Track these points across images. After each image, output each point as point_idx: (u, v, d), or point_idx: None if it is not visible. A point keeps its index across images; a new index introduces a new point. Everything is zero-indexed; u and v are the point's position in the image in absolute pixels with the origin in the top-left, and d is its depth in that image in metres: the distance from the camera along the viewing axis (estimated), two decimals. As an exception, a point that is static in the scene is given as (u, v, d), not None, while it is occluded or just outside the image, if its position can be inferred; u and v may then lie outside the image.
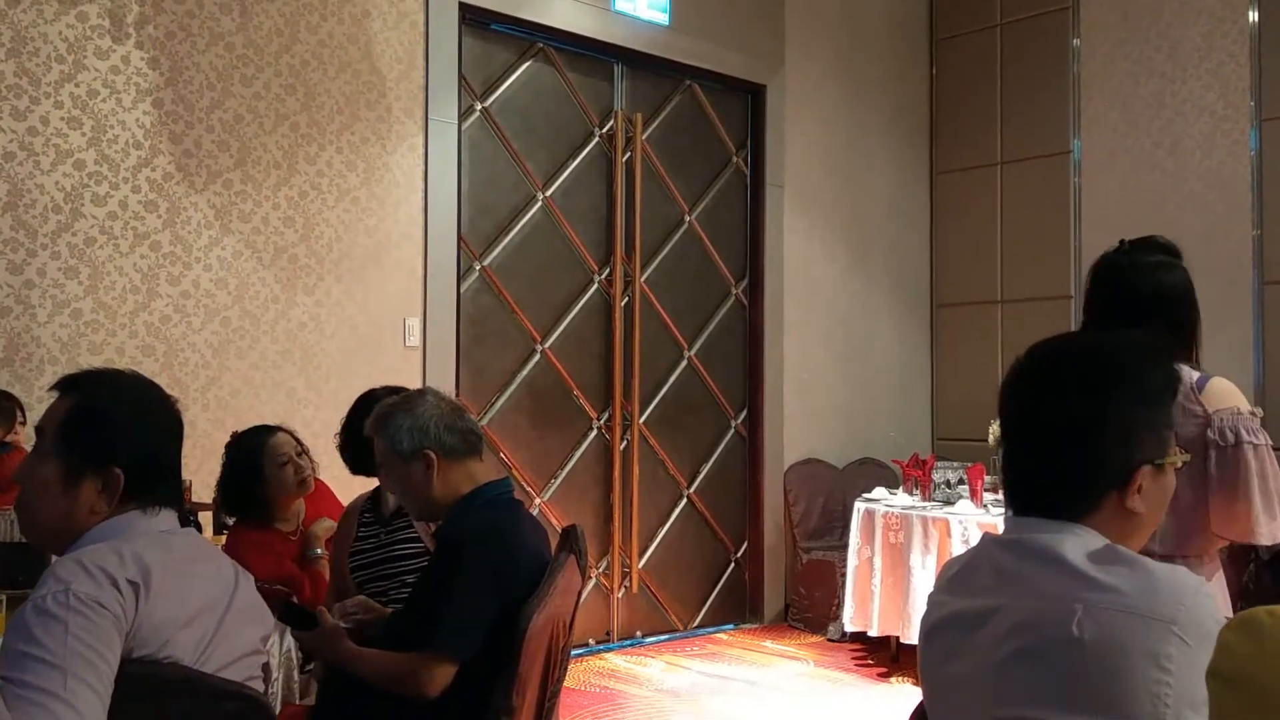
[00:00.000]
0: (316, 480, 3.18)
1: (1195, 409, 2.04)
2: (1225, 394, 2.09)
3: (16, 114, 3.71)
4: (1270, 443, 2.07)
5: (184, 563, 1.56)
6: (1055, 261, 6.25)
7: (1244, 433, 2.04)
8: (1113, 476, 1.26)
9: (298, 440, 3.12)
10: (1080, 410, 1.26)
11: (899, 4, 6.78)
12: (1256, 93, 5.60)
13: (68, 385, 1.60)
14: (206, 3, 4.11)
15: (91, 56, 3.86)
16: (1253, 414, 2.07)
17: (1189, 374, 2.10)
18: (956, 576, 1.36)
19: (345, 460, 3.00)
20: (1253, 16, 5.62)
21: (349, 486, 3.42)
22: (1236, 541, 2.10)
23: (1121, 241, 2.32)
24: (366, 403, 2.78)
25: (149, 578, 1.47)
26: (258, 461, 2.97)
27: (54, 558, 1.50)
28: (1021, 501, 1.31)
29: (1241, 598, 4.56)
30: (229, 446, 3.11)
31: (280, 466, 2.99)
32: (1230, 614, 1.83)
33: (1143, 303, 2.19)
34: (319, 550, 3.02)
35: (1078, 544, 1.22)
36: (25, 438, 3.62)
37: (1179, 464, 1.31)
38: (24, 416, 3.65)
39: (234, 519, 3.11)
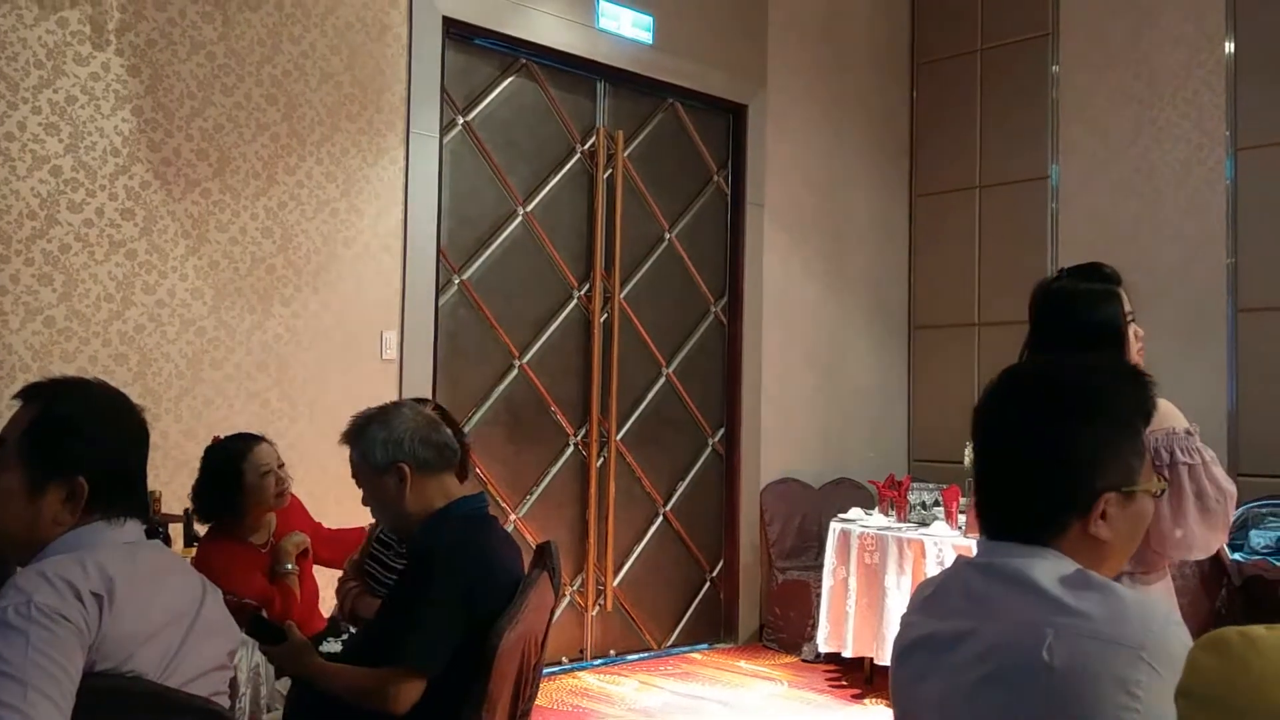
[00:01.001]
0: (291, 496, 3.16)
1: None
2: (1161, 414, 2.13)
3: (-7, 119, 3.67)
4: (1207, 459, 2.11)
5: (149, 575, 1.54)
6: (1032, 285, 6.27)
7: (1179, 453, 2.09)
8: (1075, 503, 1.26)
9: (275, 452, 3.09)
10: (1044, 435, 1.27)
11: (881, 27, 6.83)
12: (1232, 122, 5.67)
13: (32, 394, 1.58)
14: (188, 11, 4.09)
15: (71, 63, 3.83)
16: (1188, 433, 2.11)
17: None
18: (930, 598, 1.35)
19: None
20: (1229, 47, 5.70)
21: (326, 497, 3.40)
22: (1175, 558, 2.15)
23: (1060, 270, 2.37)
24: None
25: (113, 590, 1.44)
26: (238, 469, 2.94)
27: (17, 569, 1.47)
28: (991, 524, 1.32)
29: (1215, 622, 4.59)
30: (210, 451, 3.06)
31: (261, 476, 2.96)
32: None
33: (1088, 330, 2.23)
34: (290, 565, 2.99)
35: (1049, 568, 1.22)
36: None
37: (1156, 491, 1.31)
38: None
39: (206, 528, 3.08)
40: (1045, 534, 1.26)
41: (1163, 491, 1.32)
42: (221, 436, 3.18)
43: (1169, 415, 2.15)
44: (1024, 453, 1.28)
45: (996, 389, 1.34)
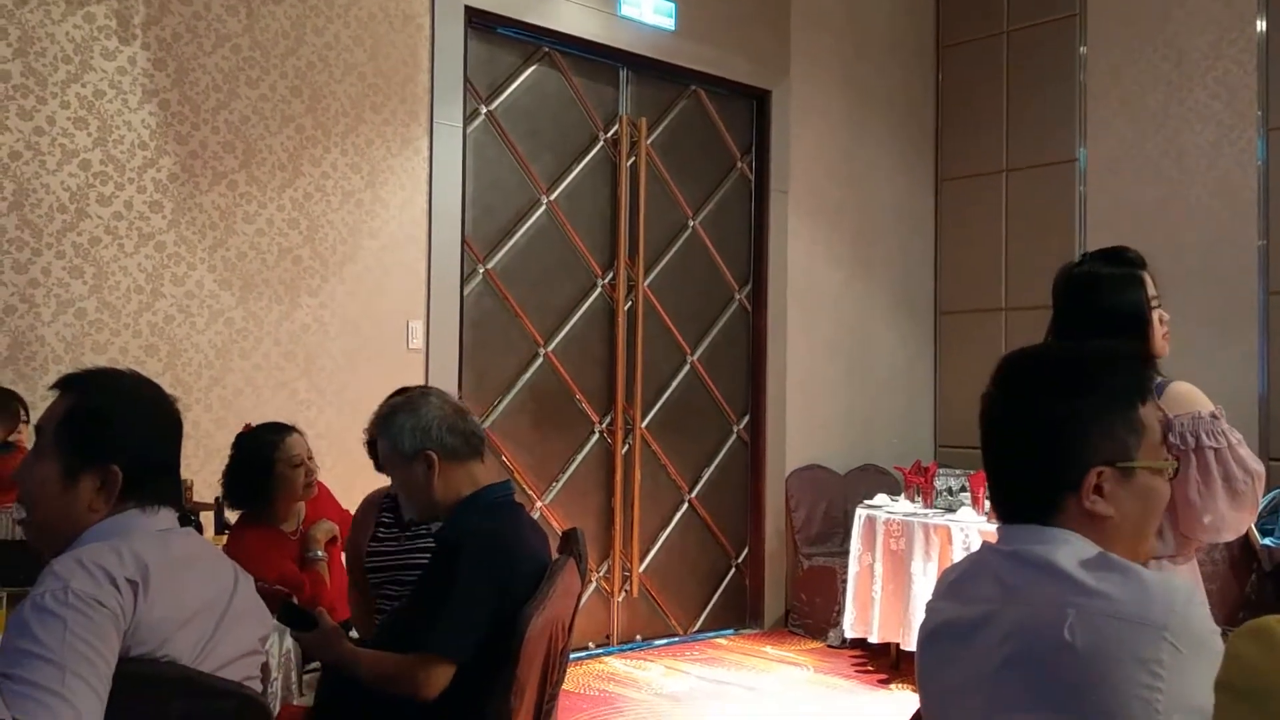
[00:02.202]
0: (319, 485, 3.19)
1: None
2: (1185, 398, 2.13)
3: (23, 113, 3.72)
4: (1234, 441, 2.12)
5: (183, 562, 1.56)
6: (1057, 271, 6.23)
7: (1204, 436, 2.09)
8: (1064, 478, 1.27)
9: (305, 443, 3.12)
10: (1031, 413, 1.30)
11: (905, 11, 6.78)
12: (1264, 102, 5.59)
13: (67, 384, 1.61)
14: (213, 4, 4.12)
15: (98, 57, 3.87)
16: (1214, 416, 2.10)
17: None
18: (954, 584, 1.36)
19: (371, 456, 2.99)
20: (1260, 26, 5.62)
21: (354, 487, 3.43)
22: (1205, 542, 2.15)
23: (1084, 254, 2.36)
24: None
25: (148, 576, 1.47)
26: (270, 458, 2.97)
27: (54, 556, 1.50)
28: (998, 507, 1.34)
29: (1244, 608, 4.56)
30: (241, 439, 3.10)
31: (293, 468, 2.99)
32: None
33: (1112, 316, 2.22)
34: (319, 552, 3.02)
35: (1070, 552, 1.23)
36: (28, 437, 3.63)
37: (1166, 470, 1.32)
38: (27, 416, 3.65)
39: (237, 516, 3.11)
40: (1040, 512, 1.28)
41: (1176, 471, 1.31)
42: (253, 425, 3.21)
43: (1194, 399, 2.14)
44: (1015, 432, 1.32)
45: (994, 374, 1.36)
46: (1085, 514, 1.27)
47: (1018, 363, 1.36)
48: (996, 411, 1.34)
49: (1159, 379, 2.19)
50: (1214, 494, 2.07)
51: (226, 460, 3.07)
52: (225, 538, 3.36)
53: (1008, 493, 1.33)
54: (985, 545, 1.35)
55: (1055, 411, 1.29)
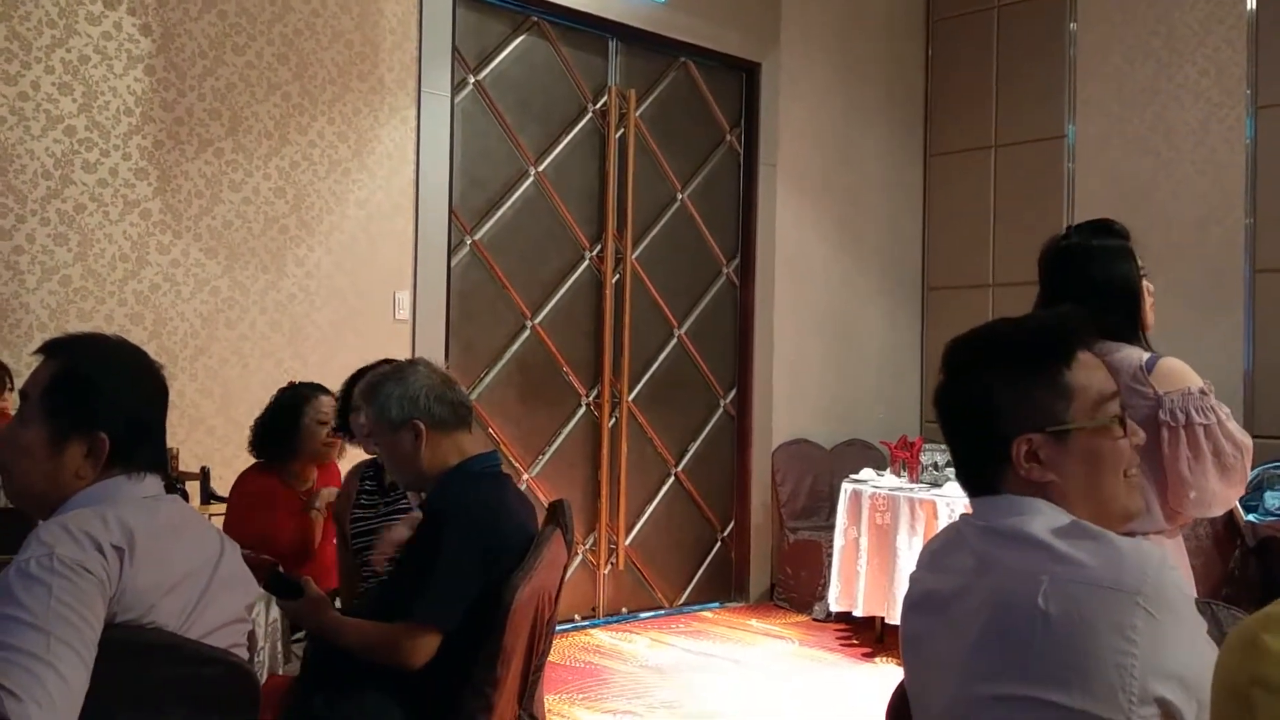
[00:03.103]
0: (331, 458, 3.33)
1: (1145, 390, 2.11)
2: (1175, 374, 2.15)
3: (7, 78, 3.67)
4: (1222, 417, 2.14)
5: (169, 529, 1.56)
6: (1043, 245, 6.24)
7: (1194, 413, 2.11)
8: (992, 451, 1.29)
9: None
10: (956, 390, 1.34)
11: (897, -16, 6.75)
12: (1253, 80, 5.59)
13: (52, 350, 1.60)
14: (199, -31, 4.07)
15: (83, 22, 3.82)
16: (1203, 392, 2.13)
17: (1138, 355, 2.18)
18: (935, 554, 1.37)
19: (338, 430, 3.12)
20: (1250, 3, 5.61)
21: (340, 458, 3.44)
22: (1194, 516, 2.18)
23: (1069, 228, 2.37)
24: (357, 382, 2.84)
25: (133, 543, 1.46)
26: (300, 409, 3.17)
27: (39, 522, 1.49)
28: (960, 481, 1.37)
29: (1228, 583, 4.61)
30: (281, 390, 3.30)
31: (318, 424, 3.17)
32: (1191, 585, 1.86)
33: (1104, 288, 2.23)
34: (318, 505, 3.17)
35: (1043, 522, 1.23)
36: (12, 404, 3.61)
37: (1109, 428, 1.28)
38: (12, 383, 3.63)
39: (256, 459, 3.25)
40: (992, 485, 1.30)
41: (1123, 428, 1.29)
42: (295, 381, 3.38)
43: (1183, 375, 2.16)
44: (950, 412, 1.35)
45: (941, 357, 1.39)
46: (1026, 482, 1.27)
47: (953, 344, 1.38)
48: (937, 393, 1.37)
49: (1149, 355, 2.20)
50: (1204, 469, 2.09)
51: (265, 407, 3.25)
52: (209, 507, 3.42)
53: (960, 469, 1.36)
54: (962, 517, 1.36)
55: (973, 387, 1.32)
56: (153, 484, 1.59)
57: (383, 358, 2.99)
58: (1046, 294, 2.34)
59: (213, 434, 4.08)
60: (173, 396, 1.70)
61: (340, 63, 4.44)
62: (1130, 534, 1.24)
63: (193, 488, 3.70)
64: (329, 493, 3.20)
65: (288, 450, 3.19)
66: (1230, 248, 5.65)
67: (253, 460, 3.27)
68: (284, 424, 3.18)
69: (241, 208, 4.20)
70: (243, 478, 3.24)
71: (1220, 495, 2.12)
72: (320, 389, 3.26)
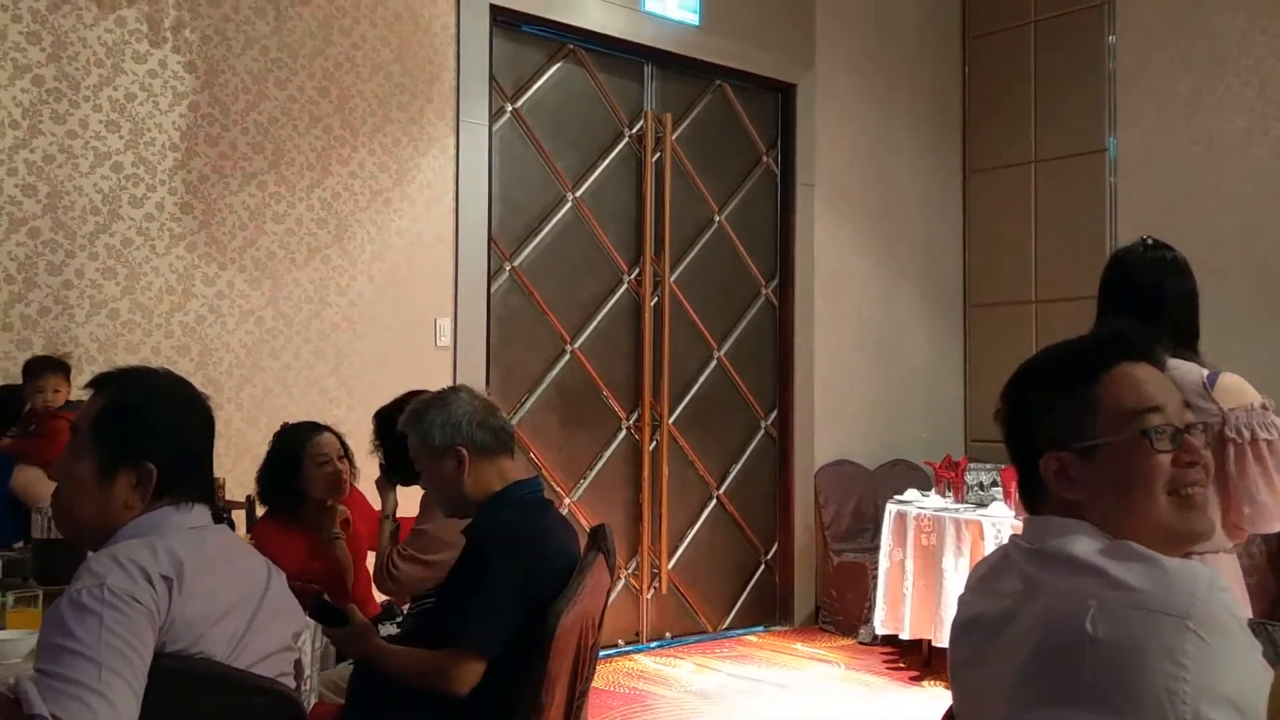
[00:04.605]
0: (352, 487, 3.20)
1: (1209, 406, 2.10)
2: (1237, 390, 2.16)
3: (56, 117, 3.76)
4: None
5: (217, 559, 1.57)
6: (1090, 261, 6.11)
7: (1259, 429, 2.12)
8: (1028, 468, 1.30)
9: (343, 443, 3.14)
10: (1003, 411, 1.35)
11: (930, 2, 6.73)
12: (1297, 89, 5.51)
13: (101, 383, 1.63)
14: (242, 7, 4.16)
15: (130, 61, 3.91)
16: (1264, 407, 2.14)
17: (1199, 371, 2.17)
18: (983, 578, 1.35)
19: (385, 460, 3.02)
20: (1293, 11, 5.53)
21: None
22: (1258, 533, 2.16)
23: (1143, 239, 2.38)
24: (395, 415, 2.78)
25: (182, 573, 1.48)
26: (298, 456, 3.03)
27: (90, 553, 1.51)
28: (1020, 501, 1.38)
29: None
30: (277, 435, 3.15)
31: (318, 465, 3.03)
32: (1245, 605, 1.82)
33: (1149, 300, 2.22)
34: (335, 530, 3.03)
35: (1086, 543, 1.21)
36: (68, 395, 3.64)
37: (1141, 442, 1.23)
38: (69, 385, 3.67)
39: (264, 510, 3.14)
40: (1034, 504, 1.30)
41: (1154, 441, 1.23)
42: (290, 423, 3.25)
43: (1245, 392, 2.17)
44: (1004, 433, 1.36)
45: None
46: (1061, 501, 1.26)
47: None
48: (996, 414, 1.37)
49: (1209, 371, 2.18)
50: (1271, 485, 2.08)
51: (258, 461, 3.11)
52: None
53: (1018, 489, 1.36)
54: (1011, 539, 1.34)
55: (1009, 405, 1.33)
56: (200, 514, 1.61)
57: (412, 389, 2.95)
58: (1103, 309, 2.34)
59: (259, 463, 4.11)
60: (219, 426, 1.72)
61: (380, 94, 4.51)
62: (1190, 554, 1.22)
63: (239, 517, 3.73)
64: (341, 511, 3.08)
65: (296, 496, 3.04)
66: (1279, 257, 5.54)
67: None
68: (287, 471, 3.03)
69: (285, 239, 4.26)
70: (257, 533, 3.08)
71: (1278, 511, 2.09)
72: (319, 427, 3.12)
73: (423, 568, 2.77)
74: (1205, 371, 2.17)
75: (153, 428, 1.58)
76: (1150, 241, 2.35)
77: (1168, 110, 5.95)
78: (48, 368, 3.54)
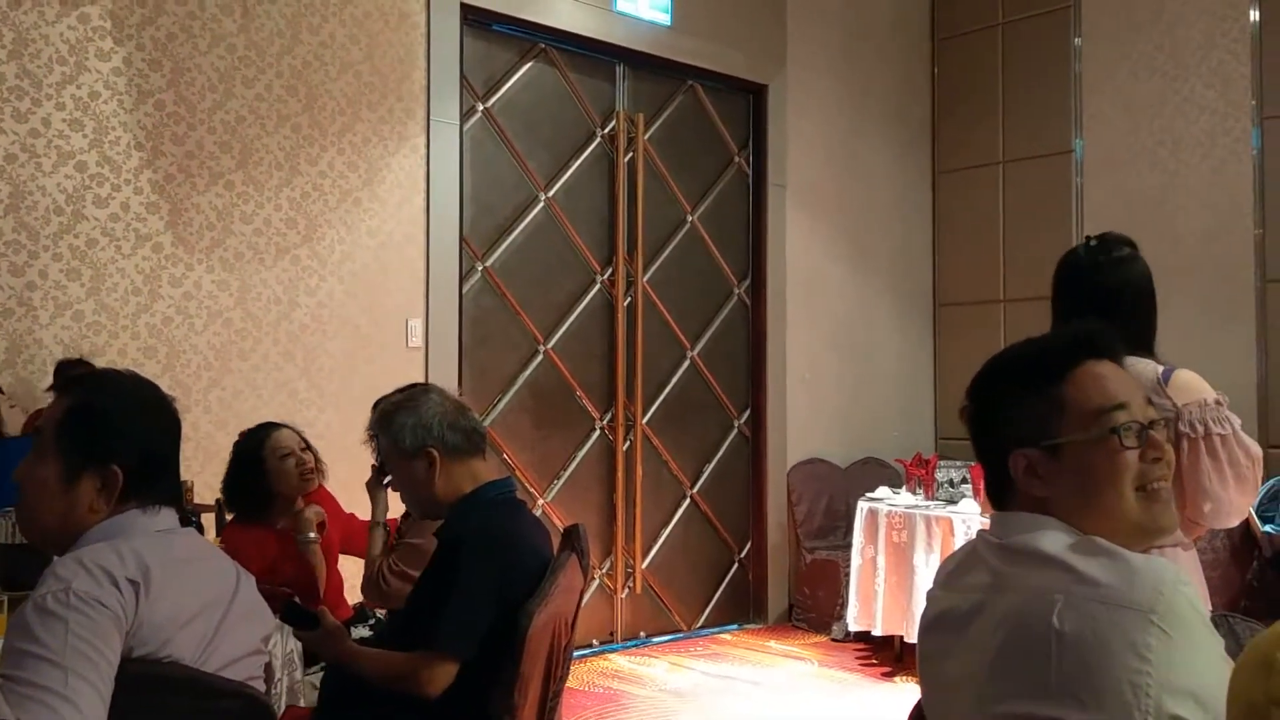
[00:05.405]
0: (320, 486, 3.18)
1: (1163, 402, 2.12)
2: (1191, 386, 2.18)
3: (18, 115, 3.71)
4: (1236, 427, 2.17)
5: (184, 562, 1.56)
6: (1057, 260, 6.23)
7: (1212, 424, 2.14)
8: (996, 466, 1.31)
9: (303, 438, 3.13)
10: (970, 410, 1.36)
11: (900, 4, 6.77)
12: (1258, 91, 5.59)
13: (65, 385, 1.61)
14: (208, 4, 4.12)
15: (93, 58, 3.87)
16: (1218, 403, 2.16)
17: (1154, 367, 2.20)
18: (951, 573, 1.36)
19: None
20: (1254, 15, 5.61)
21: (356, 486, 3.42)
22: (1211, 527, 2.19)
23: (1088, 238, 2.39)
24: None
25: (149, 577, 1.47)
26: (259, 455, 3.01)
27: (55, 558, 1.50)
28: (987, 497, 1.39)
29: (1246, 595, 4.56)
30: (236, 442, 3.13)
31: (281, 459, 3.01)
32: (1206, 600, 1.85)
33: (1104, 299, 2.24)
34: (310, 534, 2.99)
35: (1054, 538, 1.22)
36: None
37: (1104, 440, 1.25)
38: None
39: (232, 515, 3.11)
40: (1002, 501, 1.31)
41: (1121, 438, 1.25)
42: (246, 429, 3.21)
43: (1199, 387, 2.18)
44: (970, 431, 1.37)
45: None
46: (1029, 498, 1.28)
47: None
48: (961, 412, 1.39)
49: (1164, 367, 2.20)
50: (1224, 479, 2.10)
51: (226, 465, 3.08)
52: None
53: (984, 486, 1.38)
54: (979, 534, 1.36)
55: (975, 404, 1.35)
56: (167, 517, 1.60)
57: (413, 383, 2.93)
58: (1059, 307, 2.35)
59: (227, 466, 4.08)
60: (187, 429, 1.71)
61: (349, 93, 4.48)
62: (1150, 549, 1.23)
63: (208, 520, 3.70)
64: (315, 512, 3.04)
65: (263, 499, 3.00)
66: (1240, 258, 5.62)
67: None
68: (250, 477, 2.99)
69: (253, 239, 4.23)
70: (226, 536, 3.03)
71: (1237, 505, 2.13)
72: (275, 425, 3.08)
73: (411, 583, 2.75)
74: (1160, 368, 2.19)
75: (118, 430, 1.56)
76: (1094, 242, 2.36)
77: (1132, 112, 6.02)
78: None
